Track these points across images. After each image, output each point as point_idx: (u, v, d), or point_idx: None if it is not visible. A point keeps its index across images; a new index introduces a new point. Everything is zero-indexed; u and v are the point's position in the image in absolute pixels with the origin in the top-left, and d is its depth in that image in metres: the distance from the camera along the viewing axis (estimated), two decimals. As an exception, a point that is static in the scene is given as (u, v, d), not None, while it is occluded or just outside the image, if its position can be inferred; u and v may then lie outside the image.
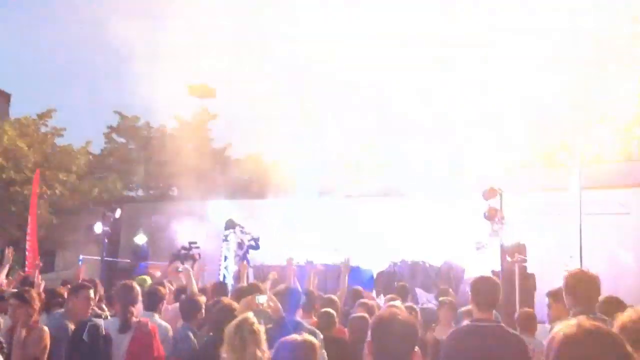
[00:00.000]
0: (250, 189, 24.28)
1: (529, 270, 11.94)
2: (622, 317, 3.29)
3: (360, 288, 9.51)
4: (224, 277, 15.78)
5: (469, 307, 6.72)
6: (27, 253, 15.51)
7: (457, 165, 19.31)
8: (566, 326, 2.18)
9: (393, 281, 13.02)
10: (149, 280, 8.29)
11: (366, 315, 6.38)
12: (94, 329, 5.37)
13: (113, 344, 5.51)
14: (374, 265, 14.69)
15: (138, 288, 6.05)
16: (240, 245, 16.61)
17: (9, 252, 9.85)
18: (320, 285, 11.62)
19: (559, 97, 18.93)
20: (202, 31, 22.95)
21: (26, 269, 15.21)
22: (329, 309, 6.75)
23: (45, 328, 5.33)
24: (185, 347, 5.62)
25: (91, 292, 6.10)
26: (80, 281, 6.81)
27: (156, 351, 5.52)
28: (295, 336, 3.61)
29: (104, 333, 5.43)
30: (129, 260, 15.42)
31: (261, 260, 15.91)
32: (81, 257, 17.27)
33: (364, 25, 21.57)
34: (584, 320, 2.19)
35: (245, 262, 13.09)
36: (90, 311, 6.14)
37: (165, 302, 6.60)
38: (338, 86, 22.02)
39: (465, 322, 4.88)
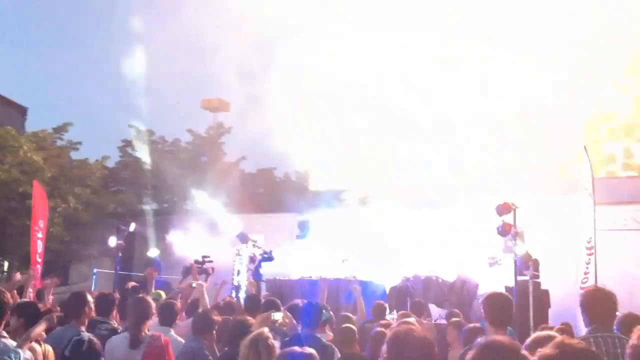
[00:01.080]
0: (263, 203, 24.34)
1: (542, 287, 11.90)
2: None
3: (383, 303, 9.58)
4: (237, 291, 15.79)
5: (474, 325, 6.71)
6: (37, 266, 15.58)
7: (469, 177, 19.32)
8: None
9: (406, 296, 12.99)
10: (163, 295, 8.32)
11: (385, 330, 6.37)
12: (77, 344, 5.31)
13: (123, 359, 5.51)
14: (387, 280, 14.66)
15: (152, 302, 6.07)
16: (252, 259, 16.60)
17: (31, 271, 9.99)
18: (333, 299, 11.61)
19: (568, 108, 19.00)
20: (214, 44, 23.18)
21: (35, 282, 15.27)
22: (350, 325, 6.73)
23: (33, 346, 5.05)
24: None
25: (86, 307, 6.02)
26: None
27: (168, 364, 5.53)
28: (296, 348, 3.71)
29: (84, 349, 5.30)
30: (143, 274, 15.45)
31: (273, 274, 15.92)
32: (95, 270, 17.35)
33: (366, 28, 21.76)
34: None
35: (252, 279, 13.12)
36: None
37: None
38: (344, 89, 22.19)
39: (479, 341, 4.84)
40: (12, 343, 4.64)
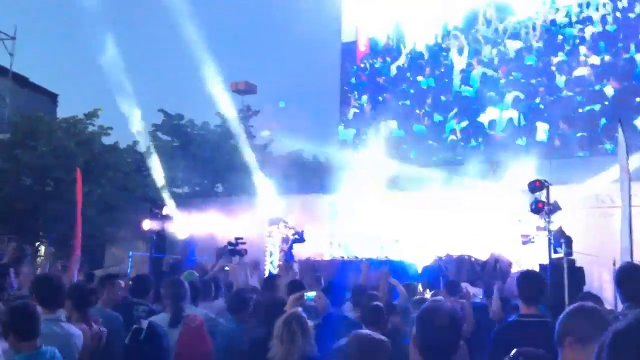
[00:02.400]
0: (293, 184, 24.38)
1: (577, 264, 11.76)
2: None
3: (414, 283, 9.62)
4: (270, 272, 15.90)
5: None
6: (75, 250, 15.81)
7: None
8: (624, 318, 2.14)
9: (438, 276, 12.96)
10: (195, 274, 8.47)
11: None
12: (135, 333, 5.31)
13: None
14: (419, 259, 14.64)
15: (187, 284, 6.18)
16: (284, 240, 16.68)
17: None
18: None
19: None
20: (241, 29, 23.17)
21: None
22: (378, 303, 6.75)
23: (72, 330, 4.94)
24: (237, 340, 5.71)
25: (108, 286, 6.21)
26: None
27: (205, 344, 5.63)
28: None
29: (142, 338, 5.17)
30: (178, 257, 15.62)
31: (307, 255, 16.00)
32: (131, 253, 17.57)
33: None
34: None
35: (284, 263, 13.17)
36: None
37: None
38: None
39: (512, 318, 4.89)
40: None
